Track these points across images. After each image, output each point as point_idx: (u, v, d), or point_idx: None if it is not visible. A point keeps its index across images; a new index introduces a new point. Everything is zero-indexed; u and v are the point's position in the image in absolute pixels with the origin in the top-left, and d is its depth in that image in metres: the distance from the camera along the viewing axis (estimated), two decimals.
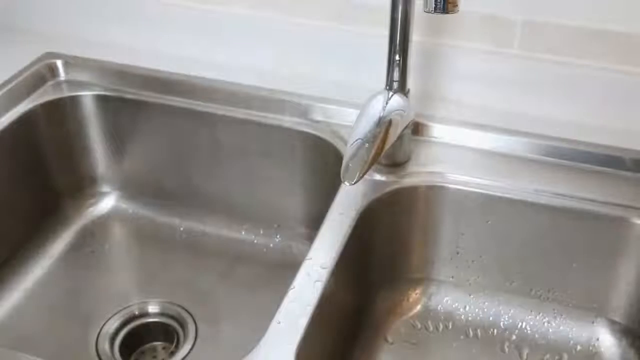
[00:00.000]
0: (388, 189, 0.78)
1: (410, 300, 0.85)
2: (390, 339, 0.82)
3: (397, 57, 0.73)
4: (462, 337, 0.82)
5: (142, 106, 0.91)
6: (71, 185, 0.97)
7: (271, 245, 0.94)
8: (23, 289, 0.88)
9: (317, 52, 0.90)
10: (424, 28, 0.83)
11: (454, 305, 0.84)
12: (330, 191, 0.77)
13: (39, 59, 0.95)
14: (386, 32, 0.73)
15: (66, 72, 0.95)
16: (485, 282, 0.83)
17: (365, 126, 0.70)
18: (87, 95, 0.93)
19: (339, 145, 0.82)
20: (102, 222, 0.98)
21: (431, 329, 0.83)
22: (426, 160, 0.81)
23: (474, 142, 0.82)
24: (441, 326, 0.83)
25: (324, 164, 0.85)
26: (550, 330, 0.82)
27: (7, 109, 0.88)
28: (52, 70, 0.95)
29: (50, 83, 0.94)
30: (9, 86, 0.90)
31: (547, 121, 0.83)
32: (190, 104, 0.90)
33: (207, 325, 0.84)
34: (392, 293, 0.85)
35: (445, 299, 0.85)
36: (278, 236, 0.94)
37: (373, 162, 0.68)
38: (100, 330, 0.83)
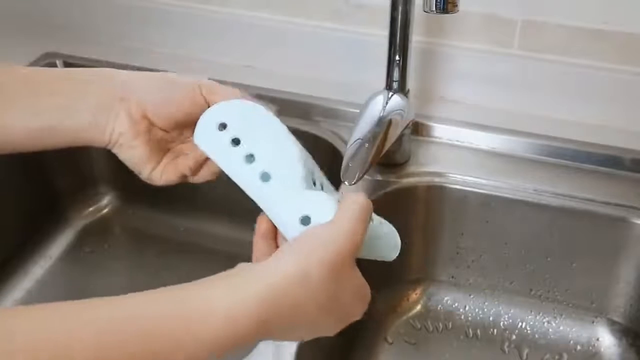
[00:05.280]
0: (388, 189, 0.77)
1: (410, 300, 0.85)
2: (390, 339, 0.82)
3: (397, 57, 0.73)
4: (462, 337, 0.82)
5: None
6: (71, 185, 0.97)
7: None
8: (23, 289, 0.88)
9: (317, 52, 0.90)
10: (424, 28, 0.83)
11: (454, 305, 0.84)
12: None
13: (39, 59, 0.95)
14: (386, 32, 0.73)
15: None
16: (485, 282, 0.83)
17: (365, 126, 0.70)
18: None
19: (339, 145, 0.82)
20: (102, 222, 0.98)
21: (431, 329, 0.83)
22: (426, 160, 0.81)
23: (474, 142, 0.82)
24: (441, 326, 0.83)
25: (323, 164, 0.84)
26: (550, 330, 0.82)
27: None
28: None
29: None
30: None
31: (547, 121, 0.83)
32: None
33: None
34: (392, 293, 0.85)
35: (445, 299, 0.85)
36: None
37: (373, 162, 0.68)
38: None
